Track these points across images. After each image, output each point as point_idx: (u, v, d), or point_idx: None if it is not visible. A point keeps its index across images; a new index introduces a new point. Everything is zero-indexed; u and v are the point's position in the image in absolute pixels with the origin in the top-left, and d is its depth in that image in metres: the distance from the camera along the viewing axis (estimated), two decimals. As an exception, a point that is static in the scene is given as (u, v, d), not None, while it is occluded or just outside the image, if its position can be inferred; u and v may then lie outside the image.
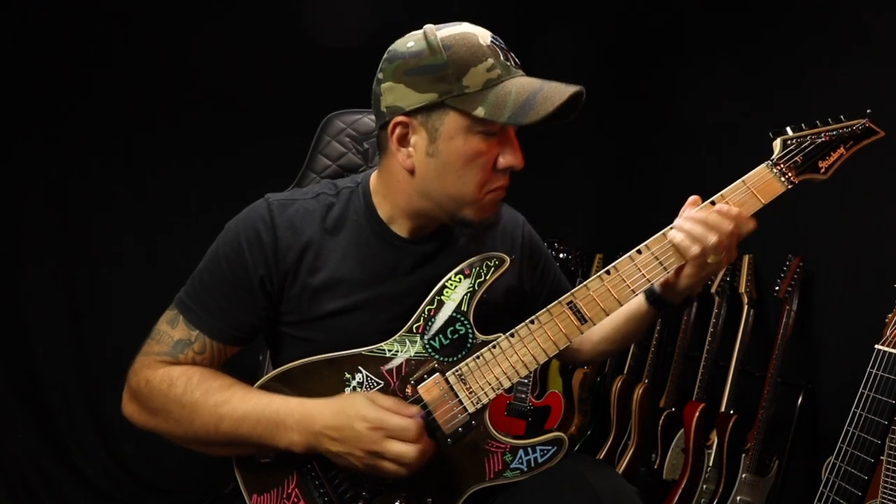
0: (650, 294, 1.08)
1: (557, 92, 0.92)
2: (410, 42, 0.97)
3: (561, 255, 2.68)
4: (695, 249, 0.96)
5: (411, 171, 0.99)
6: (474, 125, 0.94)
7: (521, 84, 0.94)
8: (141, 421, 1.00)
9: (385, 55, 1.00)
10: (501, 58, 0.95)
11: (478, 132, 0.95)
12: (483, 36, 0.96)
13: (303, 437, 0.93)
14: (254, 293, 1.01)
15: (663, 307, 1.08)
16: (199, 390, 0.96)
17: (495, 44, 0.96)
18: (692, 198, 1.02)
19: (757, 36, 2.42)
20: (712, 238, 0.96)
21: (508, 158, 0.97)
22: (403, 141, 0.98)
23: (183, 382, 0.96)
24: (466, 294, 1.02)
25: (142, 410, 0.99)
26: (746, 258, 2.26)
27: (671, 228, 1.00)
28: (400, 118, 0.96)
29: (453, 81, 0.92)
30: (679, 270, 1.02)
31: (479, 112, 0.92)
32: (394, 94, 0.96)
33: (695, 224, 0.97)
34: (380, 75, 1.00)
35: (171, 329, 1.01)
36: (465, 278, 1.02)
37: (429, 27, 0.97)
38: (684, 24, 2.82)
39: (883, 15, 1.93)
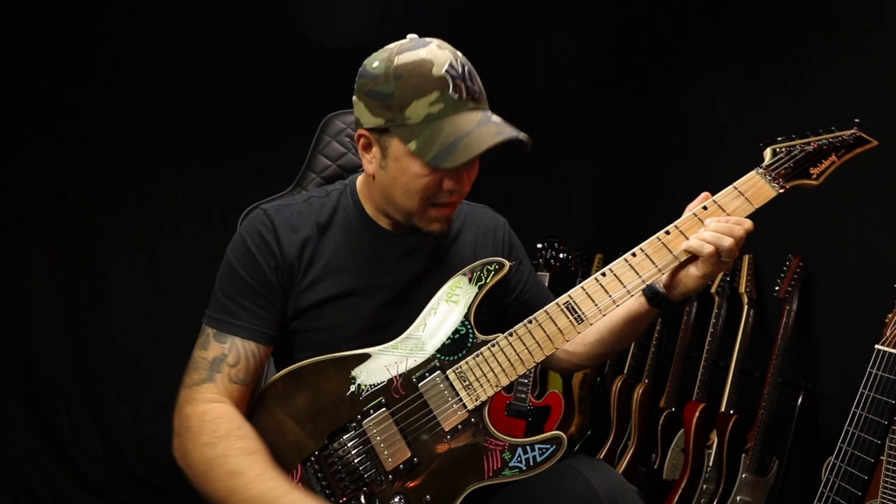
0: (652, 294, 1.08)
1: (482, 140, 0.94)
2: (376, 62, 1.00)
3: (561, 255, 2.67)
4: (709, 249, 0.98)
5: (373, 176, 1.07)
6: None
7: (457, 124, 0.96)
8: (177, 457, 0.99)
9: (361, 67, 1.03)
10: (450, 90, 0.96)
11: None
12: (441, 64, 0.96)
13: None
14: (272, 288, 1.07)
15: (665, 306, 1.08)
16: (220, 447, 0.95)
17: (450, 73, 0.96)
18: (703, 194, 1.05)
19: (756, 37, 2.42)
20: (727, 241, 0.98)
21: (450, 184, 1.01)
22: (366, 149, 1.06)
23: (210, 430, 0.96)
24: (468, 297, 1.07)
25: (177, 446, 0.99)
26: (746, 258, 2.26)
27: (665, 232, 1.03)
28: (361, 131, 1.04)
29: (397, 111, 0.97)
30: (678, 270, 1.04)
31: (411, 146, 0.97)
32: (358, 108, 1.04)
33: (709, 232, 1.00)
34: (355, 85, 1.04)
35: (204, 351, 1.04)
36: (466, 282, 1.08)
37: (397, 48, 0.99)
38: (685, 26, 2.82)
39: (880, 17, 1.93)
